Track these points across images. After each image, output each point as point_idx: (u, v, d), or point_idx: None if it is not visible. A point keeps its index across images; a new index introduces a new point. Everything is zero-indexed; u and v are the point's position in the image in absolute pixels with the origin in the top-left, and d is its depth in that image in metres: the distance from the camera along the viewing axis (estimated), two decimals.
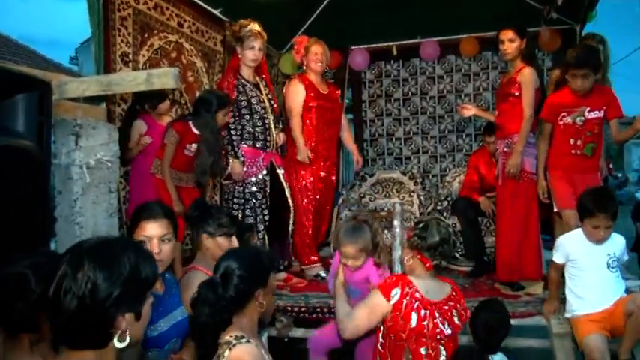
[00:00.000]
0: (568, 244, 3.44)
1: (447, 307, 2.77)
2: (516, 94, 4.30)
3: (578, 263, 3.40)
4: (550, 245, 5.18)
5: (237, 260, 2.30)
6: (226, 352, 2.13)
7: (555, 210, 4.10)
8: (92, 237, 1.54)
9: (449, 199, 5.72)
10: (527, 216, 4.32)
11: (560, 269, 3.52)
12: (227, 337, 2.19)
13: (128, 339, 1.47)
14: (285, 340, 3.74)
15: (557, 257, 3.50)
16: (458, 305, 2.84)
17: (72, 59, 25.13)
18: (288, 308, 3.97)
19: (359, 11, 6.39)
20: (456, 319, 2.79)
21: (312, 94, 4.86)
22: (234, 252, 2.51)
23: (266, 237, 4.65)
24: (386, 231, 4.46)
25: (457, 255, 5.45)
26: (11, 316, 1.82)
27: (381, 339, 2.84)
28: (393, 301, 2.69)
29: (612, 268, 3.33)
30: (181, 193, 4.22)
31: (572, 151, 4.00)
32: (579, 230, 3.42)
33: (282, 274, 4.70)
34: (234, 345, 2.15)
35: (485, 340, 2.92)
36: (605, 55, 4.68)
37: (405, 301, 2.69)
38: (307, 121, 4.87)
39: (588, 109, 3.92)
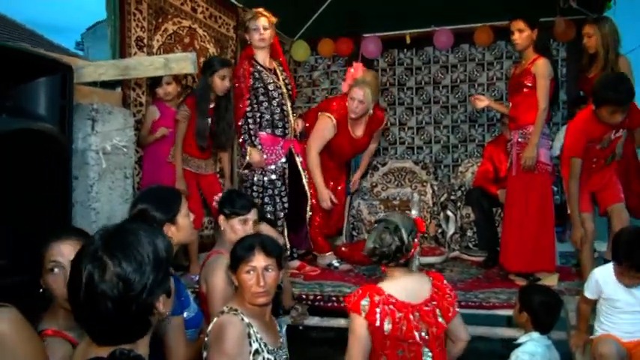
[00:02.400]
0: (601, 281, 3.06)
1: (427, 308, 2.63)
2: (530, 85, 4.25)
3: (610, 302, 3.03)
4: (562, 237, 5.19)
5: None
6: (215, 319, 2.37)
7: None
8: (97, 232, 1.47)
9: (462, 188, 5.69)
10: (542, 207, 4.28)
11: (592, 304, 3.18)
12: (224, 308, 2.39)
13: (164, 317, 1.49)
14: (300, 328, 3.72)
15: (589, 293, 3.14)
16: (444, 302, 2.68)
17: (77, 45, 25.13)
18: (304, 297, 3.96)
19: None
20: (440, 319, 2.64)
21: (341, 138, 4.84)
22: None
23: (285, 225, 4.63)
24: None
25: (470, 245, 5.43)
26: None
27: None
28: (364, 314, 2.54)
29: None
30: (200, 181, 4.20)
31: (593, 166, 3.94)
32: (612, 266, 3.06)
33: (296, 262, 4.69)
34: (223, 314, 2.33)
35: (544, 320, 2.95)
36: (612, 31, 4.54)
37: (378, 310, 2.55)
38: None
39: (614, 132, 3.81)
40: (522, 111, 4.31)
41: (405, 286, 2.64)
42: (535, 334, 2.94)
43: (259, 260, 2.48)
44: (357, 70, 4.75)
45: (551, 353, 2.94)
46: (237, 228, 3.06)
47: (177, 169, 4.19)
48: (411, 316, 2.57)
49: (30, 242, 1.99)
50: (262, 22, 4.52)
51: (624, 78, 3.67)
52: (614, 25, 4.39)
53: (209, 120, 4.40)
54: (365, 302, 2.56)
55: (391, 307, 2.56)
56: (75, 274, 1.38)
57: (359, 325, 2.55)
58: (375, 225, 2.74)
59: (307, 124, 4.90)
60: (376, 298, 2.56)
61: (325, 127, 4.76)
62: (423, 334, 2.57)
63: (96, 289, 1.34)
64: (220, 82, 4.33)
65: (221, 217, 3.13)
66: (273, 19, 4.61)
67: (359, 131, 4.90)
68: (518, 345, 2.95)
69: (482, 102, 4.76)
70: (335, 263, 4.82)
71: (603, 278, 3.05)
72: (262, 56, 4.63)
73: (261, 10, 4.56)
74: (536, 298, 2.97)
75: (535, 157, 4.16)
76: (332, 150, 4.84)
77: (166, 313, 1.47)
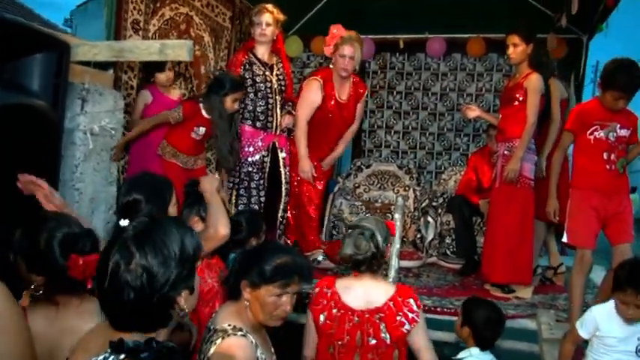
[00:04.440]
0: (599, 318, 2.91)
1: (369, 317, 2.58)
2: (521, 99, 4.30)
3: (604, 340, 2.89)
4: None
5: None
6: (218, 341, 2.05)
7: (564, 240, 3.73)
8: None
9: (444, 195, 5.74)
10: (522, 221, 4.33)
11: (579, 343, 3.07)
12: (224, 325, 2.10)
13: (186, 314, 1.52)
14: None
15: (583, 331, 2.97)
16: (394, 319, 2.58)
17: (66, 21, 24.83)
18: None
19: (369, 0, 6.35)
20: (382, 334, 2.56)
21: (328, 101, 4.72)
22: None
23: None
24: None
25: (448, 252, 5.48)
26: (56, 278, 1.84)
27: None
28: (309, 302, 2.68)
29: None
30: (189, 174, 4.19)
31: (607, 167, 3.59)
32: (611, 304, 2.91)
33: None
34: (228, 335, 2.06)
35: (486, 336, 2.85)
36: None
37: (321, 302, 2.62)
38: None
39: (619, 125, 3.60)
40: (511, 124, 4.35)
41: (356, 288, 2.65)
42: (475, 350, 2.83)
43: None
44: (339, 30, 4.68)
45: None
46: None
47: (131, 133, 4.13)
48: (347, 319, 2.58)
49: (15, 218, 1.97)
50: (266, 17, 4.52)
51: (636, 65, 3.55)
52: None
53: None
54: (315, 291, 2.68)
55: (332, 303, 2.61)
56: (103, 261, 1.43)
57: (308, 313, 2.69)
58: (350, 230, 2.73)
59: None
60: (325, 290, 2.65)
61: (311, 89, 4.69)
62: (356, 340, 2.57)
63: (120, 278, 1.38)
64: (231, 105, 4.19)
65: (194, 219, 3.02)
66: (280, 17, 4.62)
67: (344, 94, 4.79)
68: None
69: (474, 112, 4.81)
70: (319, 258, 4.83)
71: (601, 316, 2.90)
72: (262, 51, 4.63)
73: (268, 6, 4.56)
74: (479, 313, 2.86)
75: (518, 170, 4.21)
76: (319, 122, 4.73)
77: (187, 309, 1.50)
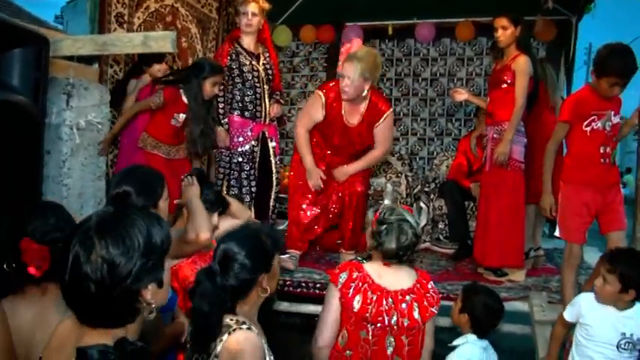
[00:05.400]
0: (584, 305, 2.87)
1: (407, 298, 2.60)
2: (509, 81, 4.27)
3: (587, 331, 2.83)
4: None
5: (237, 244, 2.10)
6: (225, 336, 1.98)
7: (556, 234, 3.66)
8: (96, 212, 1.45)
9: (436, 181, 5.73)
10: (512, 204, 4.31)
11: (568, 327, 3.02)
12: (227, 320, 2.03)
13: (155, 309, 1.44)
14: (270, 313, 3.74)
15: (568, 314, 2.95)
16: (424, 300, 2.63)
17: (57, 18, 24.74)
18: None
19: None
20: (415, 314, 2.60)
21: (333, 122, 4.26)
22: (234, 234, 2.23)
23: (253, 209, 4.63)
24: (371, 210, 4.38)
25: (441, 237, 5.49)
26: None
27: None
28: (339, 285, 2.58)
29: (624, 350, 2.76)
30: (174, 165, 4.18)
31: (602, 160, 3.48)
32: (592, 294, 2.87)
33: None
34: (234, 330, 1.99)
35: (485, 322, 2.83)
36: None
37: (352, 285, 2.57)
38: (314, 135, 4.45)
39: (613, 112, 3.48)
40: (499, 107, 4.33)
41: (386, 271, 2.64)
42: (471, 337, 2.81)
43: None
44: (353, 45, 4.42)
45: (488, 355, 2.82)
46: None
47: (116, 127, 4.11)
48: (384, 301, 2.56)
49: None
50: (252, 7, 4.50)
51: (630, 50, 3.44)
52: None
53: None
54: (344, 275, 2.60)
55: (366, 286, 2.57)
56: (64, 252, 1.36)
57: (332, 296, 2.61)
58: (386, 225, 2.65)
59: None
60: (354, 274, 2.60)
61: (313, 105, 4.32)
62: (392, 321, 2.55)
63: (80, 270, 1.32)
64: (210, 89, 4.16)
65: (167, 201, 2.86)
66: (265, 6, 4.59)
67: (354, 119, 4.23)
68: (454, 347, 2.83)
69: (462, 95, 4.80)
70: (289, 266, 4.33)
71: (588, 305, 2.84)
72: (248, 41, 4.61)
73: None
74: (480, 301, 2.84)
75: (507, 152, 4.19)
76: (324, 136, 4.41)
77: (156, 304, 1.43)
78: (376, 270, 2.64)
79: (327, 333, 2.61)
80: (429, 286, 2.70)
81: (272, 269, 2.13)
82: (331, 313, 2.61)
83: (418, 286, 2.66)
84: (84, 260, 1.32)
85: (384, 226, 2.64)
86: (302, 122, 4.37)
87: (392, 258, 2.62)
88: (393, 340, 2.59)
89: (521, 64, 4.22)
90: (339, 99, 4.17)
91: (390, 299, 2.58)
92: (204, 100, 4.18)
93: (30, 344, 1.80)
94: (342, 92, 4.09)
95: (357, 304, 2.54)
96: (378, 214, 2.74)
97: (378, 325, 2.56)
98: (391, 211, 2.72)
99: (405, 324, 2.58)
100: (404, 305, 2.58)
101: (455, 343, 2.85)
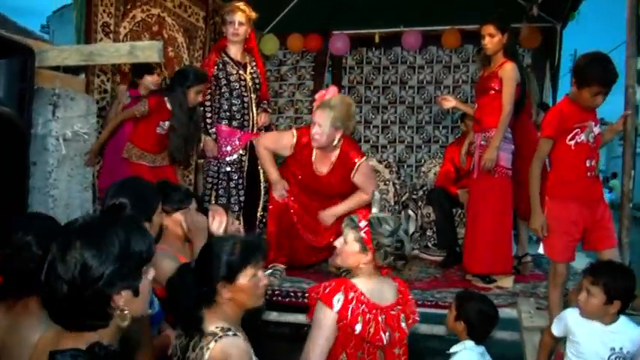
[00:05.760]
0: (570, 320, 2.83)
1: (394, 312, 2.60)
2: (497, 88, 4.28)
3: (577, 346, 2.80)
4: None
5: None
6: (211, 344, 1.99)
7: (540, 251, 3.67)
8: (83, 216, 1.50)
9: (424, 188, 5.75)
10: (500, 210, 4.31)
11: (557, 339, 3.01)
12: (212, 328, 2.05)
13: (128, 317, 1.44)
14: (259, 322, 3.72)
15: (555, 329, 2.94)
16: (407, 309, 2.67)
17: (43, 27, 24.70)
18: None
19: None
20: (403, 325, 2.62)
21: (302, 167, 4.16)
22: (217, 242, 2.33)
23: (242, 218, 4.62)
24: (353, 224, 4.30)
25: (430, 245, 5.49)
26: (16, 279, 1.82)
27: None
28: (336, 309, 2.47)
29: None
30: (158, 172, 4.17)
31: (588, 174, 3.38)
32: (577, 310, 2.82)
33: None
34: (220, 337, 2.01)
35: (480, 329, 2.86)
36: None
37: (350, 307, 2.48)
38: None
39: (594, 123, 3.39)
40: (487, 113, 4.34)
41: (374, 287, 2.60)
42: (469, 343, 2.83)
43: (260, 260, 2.26)
44: (328, 92, 4.14)
45: None
46: (182, 221, 2.97)
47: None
48: (379, 318, 2.53)
49: None
50: (238, 16, 4.50)
51: (609, 58, 3.33)
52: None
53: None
54: (339, 296, 2.49)
55: (363, 306, 2.50)
56: (45, 252, 1.41)
57: (329, 319, 2.48)
58: (396, 234, 2.63)
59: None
60: (350, 295, 2.50)
61: (283, 137, 4.25)
62: (386, 337, 2.53)
63: (55, 269, 1.36)
64: (194, 97, 4.17)
65: (162, 215, 2.88)
66: (252, 15, 4.59)
67: (323, 168, 4.12)
68: (452, 354, 2.86)
69: (450, 102, 4.82)
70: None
71: (574, 320, 2.81)
72: (234, 50, 4.61)
73: (240, 4, 4.53)
74: (474, 308, 2.87)
75: (494, 159, 4.19)
76: (299, 182, 4.25)
77: (131, 313, 1.45)
78: (366, 286, 2.58)
79: (320, 356, 2.50)
80: (408, 291, 2.74)
81: (236, 281, 2.14)
82: (326, 337, 2.49)
83: (400, 296, 2.67)
84: (59, 260, 1.36)
85: (395, 237, 2.60)
86: (265, 143, 4.25)
87: (387, 253, 2.58)
88: (382, 353, 2.58)
89: (508, 71, 4.23)
90: (310, 146, 4.06)
91: (383, 315, 2.56)
92: (189, 108, 4.18)
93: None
94: (312, 139, 3.96)
95: (358, 327, 2.48)
96: (368, 228, 2.62)
97: (376, 343, 2.53)
98: (384, 220, 2.67)
99: (397, 336, 2.58)
100: (393, 319, 2.58)
101: (453, 349, 2.87)
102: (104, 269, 1.37)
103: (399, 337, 2.60)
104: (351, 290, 2.51)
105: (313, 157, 4.11)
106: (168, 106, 4.14)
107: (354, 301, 2.49)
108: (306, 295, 2.82)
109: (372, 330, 2.50)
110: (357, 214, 2.77)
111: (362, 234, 2.61)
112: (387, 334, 2.54)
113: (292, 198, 4.20)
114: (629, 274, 2.74)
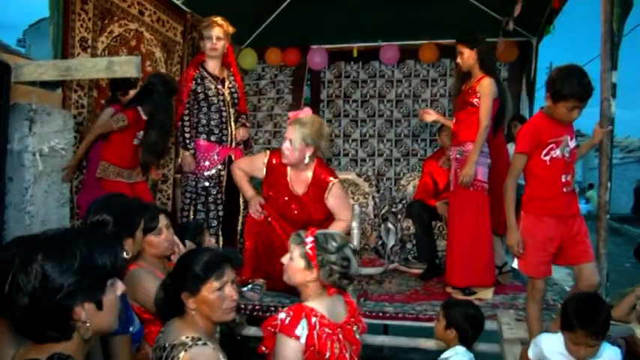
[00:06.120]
0: (546, 349, 2.76)
1: (349, 327, 2.60)
2: (475, 103, 4.30)
3: None
4: None
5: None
6: (181, 354, 2.03)
7: (514, 266, 3.52)
8: (46, 230, 1.50)
9: (404, 201, 5.77)
10: (478, 223, 4.33)
11: None
12: (182, 338, 2.09)
13: (90, 330, 1.44)
14: (239, 337, 3.70)
15: (531, 353, 2.89)
16: (357, 320, 2.70)
17: (19, 41, 24.51)
18: (242, 306, 3.93)
19: (321, 10, 6.42)
20: (357, 336, 2.65)
21: (278, 185, 4.08)
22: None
23: (220, 233, 4.59)
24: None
25: (410, 257, 5.51)
26: None
27: None
28: (303, 339, 2.39)
29: None
30: (135, 188, 4.15)
31: (565, 189, 3.29)
32: (560, 336, 2.72)
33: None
34: (189, 347, 2.04)
35: (470, 333, 2.91)
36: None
37: (315, 333, 2.41)
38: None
39: (569, 137, 3.30)
40: (464, 128, 4.37)
41: (328, 305, 2.57)
42: (460, 348, 2.89)
43: (230, 275, 2.30)
44: (302, 112, 4.09)
45: None
46: (155, 241, 2.93)
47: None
48: (340, 336, 2.51)
49: None
50: (216, 32, 4.51)
51: (584, 71, 3.21)
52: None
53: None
54: (303, 324, 2.41)
55: (327, 329, 2.45)
56: (8, 264, 1.41)
57: (295, 350, 2.38)
58: (342, 251, 2.62)
59: None
60: (313, 320, 2.43)
61: (256, 158, 4.22)
62: (347, 354, 2.52)
63: (17, 281, 1.37)
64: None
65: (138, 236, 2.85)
66: (230, 30, 4.61)
67: (300, 188, 4.06)
68: None
69: (431, 116, 4.86)
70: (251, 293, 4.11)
71: (549, 348, 2.75)
72: (212, 65, 4.62)
73: (217, 19, 4.54)
74: (462, 314, 2.92)
75: (472, 174, 4.22)
76: (279, 209, 4.11)
77: (94, 326, 1.45)
78: (322, 306, 2.53)
79: None
80: (353, 302, 2.80)
81: (199, 293, 2.22)
82: None
83: (349, 307, 2.70)
84: (21, 271, 1.37)
85: (340, 254, 2.59)
86: (241, 165, 4.22)
87: (347, 284, 2.65)
88: None
89: (485, 86, 4.27)
90: (284, 165, 4.03)
91: (342, 332, 2.55)
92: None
93: None
94: (282, 155, 3.94)
95: (328, 352, 2.43)
96: (313, 243, 2.61)
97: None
98: (337, 236, 2.68)
99: (354, 349, 2.61)
100: (351, 334, 2.60)
101: (444, 356, 2.92)
102: (64, 280, 1.37)
103: (356, 349, 2.62)
104: (312, 315, 2.44)
105: (288, 177, 4.05)
106: (143, 116, 4.16)
107: (318, 326, 2.43)
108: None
109: (337, 351, 2.47)
110: (305, 230, 2.74)
111: (307, 249, 2.59)
112: (348, 347, 2.54)
113: (270, 219, 4.05)
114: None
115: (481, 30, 4.58)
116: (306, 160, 3.94)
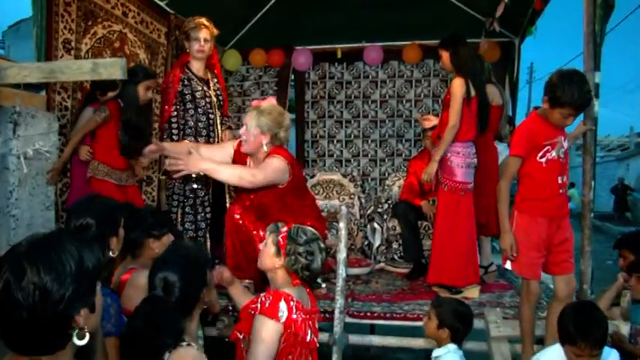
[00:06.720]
0: None
1: (314, 316, 2.81)
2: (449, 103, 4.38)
3: None
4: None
5: (174, 270, 2.32)
6: (165, 356, 2.05)
7: (507, 267, 3.38)
8: (25, 238, 1.43)
9: (389, 201, 5.79)
10: (461, 223, 4.35)
11: None
12: (166, 339, 2.11)
13: (87, 335, 1.42)
14: (227, 340, 3.68)
15: None
16: (317, 311, 2.92)
17: None
18: (230, 309, 3.92)
19: (305, 12, 6.42)
20: (317, 325, 2.84)
21: None
22: (168, 260, 2.42)
23: (208, 235, 4.58)
24: (326, 232, 4.35)
25: (396, 257, 5.53)
26: None
27: None
28: (283, 320, 2.57)
29: None
30: (126, 191, 4.12)
31: (561, 191, 3.29)
32: (559, 348, 2.71)
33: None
34: (173, 348, 2.07)
35: (461, 330, 2.98)
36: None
37: (294, 316, 2.59)
38: None
39: (563, 137, 3.28)
40: (443, 127, 4.41)
41: (299, 293, 2.76)
42: (452, 346, 2.95)
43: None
44: (265, 100, 4.01)
45: None
46: (156, 244, 3.05)
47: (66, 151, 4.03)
48: (310, 323, 2.69)
49: None
50: (204, 34, 4.51)
51: (585, 79, 3.19)
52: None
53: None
54: (283, 307, 2.59)
55: (302, 314, 2.63)
56: None
57: (274, 332, 2.57)
58: (310, 244, 2.84)
59: None
60: (291, 304, 2.62)
61: (227, 145, 4.17)
62: (316, 340, 2.73)
63: (12, 297, 1.30)
64: (144, 93, 4.19)
65: (149, 239, 3.05)
66: (215, 31, 4.60)
67: None
68: (435, 358, 2.98)
69: (431, 122, 4.88)
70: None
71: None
72: (197, 66, 4.60)
73: (204, 21, 4.52)
74: (455, 312, 2.99)
75: (433, 172, 4.27)
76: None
77: (88, 329, 1.42)
78: (295, 293, 2.73)
79: None
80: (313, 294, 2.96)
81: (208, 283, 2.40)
82: (270, 351, 2.58)
83: (311, 298, 2.87)
84: (15, 287, 1.31)
85: (310, 246, 2.82)
86: (213, 152, 4.11)
87: (315, 279, 2.84)
88: (311, 357, 2.75)
89: (454, 87, 4.30)
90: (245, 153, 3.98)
91: (311, 319, 2.72)
92: (141, 106, 4.21)
93: None
94: (241, 141, 3.94)
95: (307, 334, 2.62)
96: (286, 233, 2.87)
97: (312, 347, 2.69)
98: (307, 231, 2.89)
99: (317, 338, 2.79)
100: (314, 322, 2.76)
101: (436, 353, 2.99)
102: (64, 291, 1.34)
103: (318, 338, 2.80)
104: (289, 299, 2.64)
105: (247, 165, 3.98)
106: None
107: (295, 310, 2.61)
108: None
109: (314, 336, 2.69)
110: (284, 222, 3.03)
111: (279, 238, 2.86)
112: (319, 335, 2.76)
113: (243, 221, 3.94)
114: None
115: (463, 31, 4.64)
116: (264, 149, 3.85)
